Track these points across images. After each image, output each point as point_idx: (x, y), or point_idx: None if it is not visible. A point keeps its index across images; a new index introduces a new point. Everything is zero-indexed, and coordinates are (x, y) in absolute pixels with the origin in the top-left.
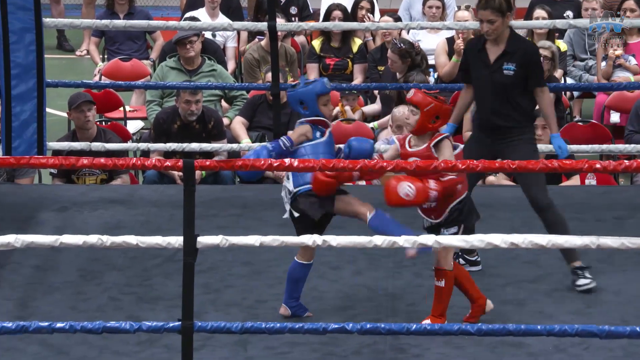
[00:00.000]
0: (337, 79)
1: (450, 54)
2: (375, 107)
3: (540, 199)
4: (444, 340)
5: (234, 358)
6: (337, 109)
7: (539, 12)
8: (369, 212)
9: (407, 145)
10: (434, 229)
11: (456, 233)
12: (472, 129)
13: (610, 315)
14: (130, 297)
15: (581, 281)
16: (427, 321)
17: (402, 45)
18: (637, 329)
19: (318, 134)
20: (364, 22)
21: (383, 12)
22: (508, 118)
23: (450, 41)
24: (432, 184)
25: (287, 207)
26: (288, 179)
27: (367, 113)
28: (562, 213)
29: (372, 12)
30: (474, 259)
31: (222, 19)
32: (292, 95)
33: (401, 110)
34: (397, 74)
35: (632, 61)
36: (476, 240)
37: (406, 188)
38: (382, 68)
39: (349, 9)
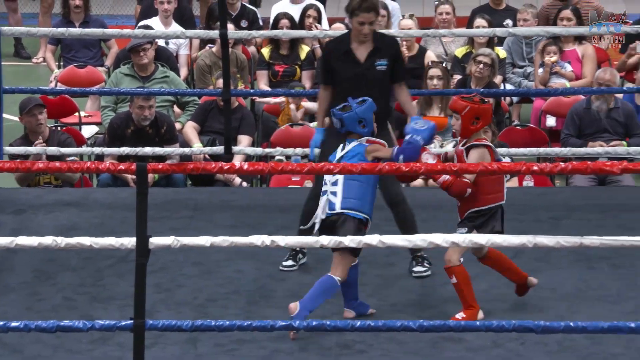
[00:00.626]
0: (286, 86)
1: None
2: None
3: (396, 194)
4: (387, 336)
5: (185, 355)
6: (283, 104)
7: (479, 21)
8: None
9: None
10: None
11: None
12: (331, 128)
13: (546, 311)
14: (84, 297)
15: (418, 268)
16: (460, 314)
17: None
18: (571, 324)
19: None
20: (311, 30)
21: (331, 20)
22: (380, 111)
23: None
24: (445, 176)
25: (321, 216)
26: (335, 195)
27: (308, 109)
28: (412, 210)
29: (320, 21)
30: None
31: (175, 27)
32: (351, 116)
33: None
34: None
35: (568, 68)
36: (419, 239)
37: (430, 156)
38: None
39: (297, 18)
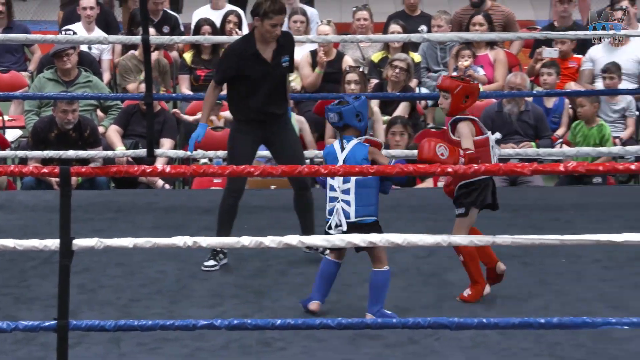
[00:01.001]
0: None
1: (313, 65)
2: None
3: (306, 179)
4: (306, 334)
5: (108, 355)
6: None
7: (394, 27)
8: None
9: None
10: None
11: (463, 215)
12: (238, 125)
13: (460, 308)
14: (8, 298)
15: (210, 262)
16: (467, 291)
17: None
18: (484, 320)
19: None
20: (232, 35)
21: (251, 26)
22: (282, 105)
23: (314, 54)
24: (462, 159)
25: (338, 226)
26: (349, 205)
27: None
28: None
29: (240, 26)
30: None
31: (98, 33)
32: (350, 109)
33: None
34: None
35: (481, 72)
36: (337, 239)
37: (442, 148)
38: None
39: (218, 24)
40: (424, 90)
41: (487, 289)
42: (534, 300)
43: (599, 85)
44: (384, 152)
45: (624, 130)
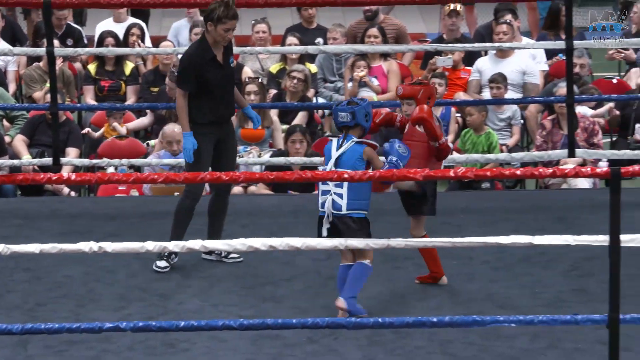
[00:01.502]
0: (112, 100)
1: None
2: (144, 121)
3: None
4: (209, 335)
5: (15, 357)
6: (104, 128)
7: (292, 39)
8: (369, 260)
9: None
10: None
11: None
12: (199, 129)
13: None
14: None
15: (161, 263)
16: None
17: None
18: (380, 320)
19: None
20: (135, 47)
21: (154, 39)
22: (233, 106)
23: None
24: (444, 138)
25: (327, 220)
26: (341, 197)
27: (135, 127)
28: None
29: (143, 39)
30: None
31: (3, 45)
32: (361, 109)
33: (171, 128)
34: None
35: (375, 82)
36: (239, 243)
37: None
38: (157, 89)
39: (121, 36)
40: (321, 100)
41: (444, 279)
42: (428, 300)
43: (486, 95)
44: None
45: (510, 137)
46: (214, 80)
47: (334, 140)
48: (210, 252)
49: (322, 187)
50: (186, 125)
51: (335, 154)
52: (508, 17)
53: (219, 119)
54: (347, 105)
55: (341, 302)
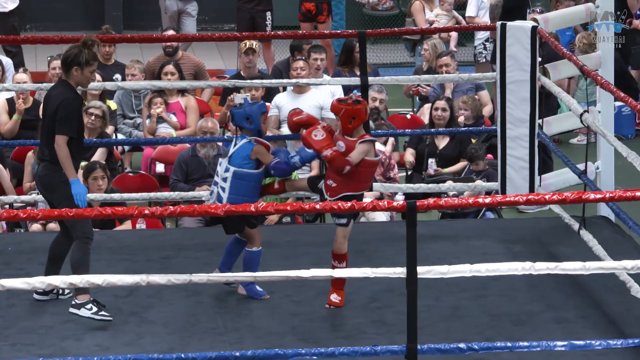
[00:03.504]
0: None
1: (10, 113)
2: None
3: (76, 229)
4: None
5: None
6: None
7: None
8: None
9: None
10: None
11: (345, 225)
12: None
13: (159, 345)
14: None
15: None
16: (334, 296)
17: None
18: (182, 355)
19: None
20: None
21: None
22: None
23: (10, 101)
24: (329, 151)
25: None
26: (224, 191)
27: None
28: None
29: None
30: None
31: None
32: (240, 111)
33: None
34: None
35: (173, 118)
36: (37, 282)
37: (320, 132)
38: None
39: None
40: (120, 136)
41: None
42: (230, 334)
43: (285, 130)
44: None
45: (310, 172)
46: (81, 124)
47: (234, 138)
48: (46, 293)
49: (215, 178)
50: (72, 172)
51: (231, 150)
52: (309, 54)
53: (78, 163)
54: (237, 107)
55: (241, 290)
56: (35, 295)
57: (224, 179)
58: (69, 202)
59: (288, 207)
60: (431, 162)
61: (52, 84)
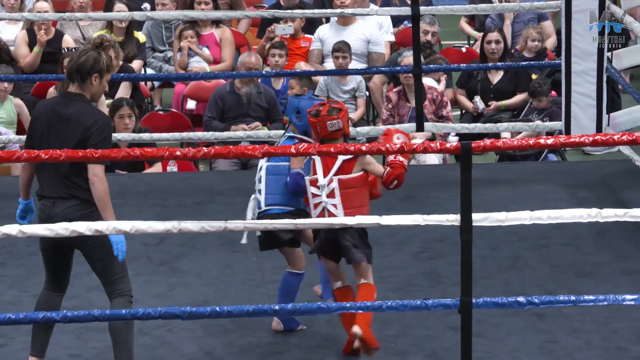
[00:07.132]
0: None
1: (31, 45)
2: None
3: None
4: (29, 329)
5: None
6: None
7: (120, 6)
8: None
9: None
10: None
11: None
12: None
13: (192, 297)
14: None
15: None
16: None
17: None
18: (217, 309)
19: None
20: None
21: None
22: None
23: (31, 32)
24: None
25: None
26: (260, 193)
27: None
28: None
29: None
30: None
31: None
32: (293, 101)
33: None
34: None
35: (206, 51)
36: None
37: (402, 137)
38: None
39: None
40: (150, 71)
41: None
42: (269, 285)
43: (329, 65)
44: None
45: (355, 111)
46: None
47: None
48: None
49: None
50: (113, 214)
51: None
52: None
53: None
54: (297, 95)
55: (276, 324)
56: None
57: (259, 180)
58: (106, 249)
59: (332, 149)
60: (477, 99)
61: (56, 100)
